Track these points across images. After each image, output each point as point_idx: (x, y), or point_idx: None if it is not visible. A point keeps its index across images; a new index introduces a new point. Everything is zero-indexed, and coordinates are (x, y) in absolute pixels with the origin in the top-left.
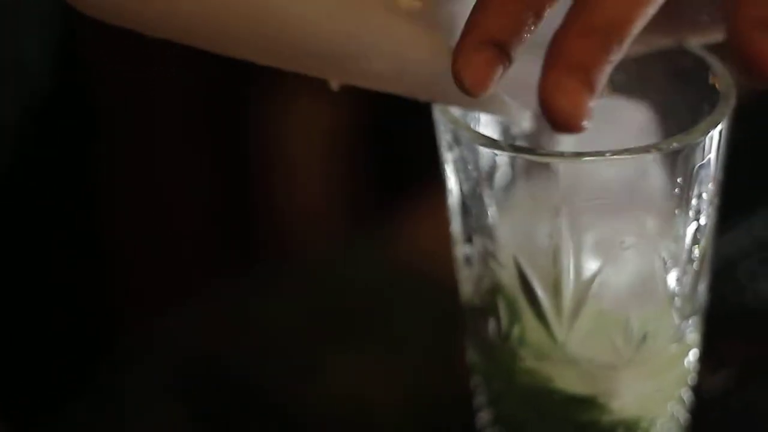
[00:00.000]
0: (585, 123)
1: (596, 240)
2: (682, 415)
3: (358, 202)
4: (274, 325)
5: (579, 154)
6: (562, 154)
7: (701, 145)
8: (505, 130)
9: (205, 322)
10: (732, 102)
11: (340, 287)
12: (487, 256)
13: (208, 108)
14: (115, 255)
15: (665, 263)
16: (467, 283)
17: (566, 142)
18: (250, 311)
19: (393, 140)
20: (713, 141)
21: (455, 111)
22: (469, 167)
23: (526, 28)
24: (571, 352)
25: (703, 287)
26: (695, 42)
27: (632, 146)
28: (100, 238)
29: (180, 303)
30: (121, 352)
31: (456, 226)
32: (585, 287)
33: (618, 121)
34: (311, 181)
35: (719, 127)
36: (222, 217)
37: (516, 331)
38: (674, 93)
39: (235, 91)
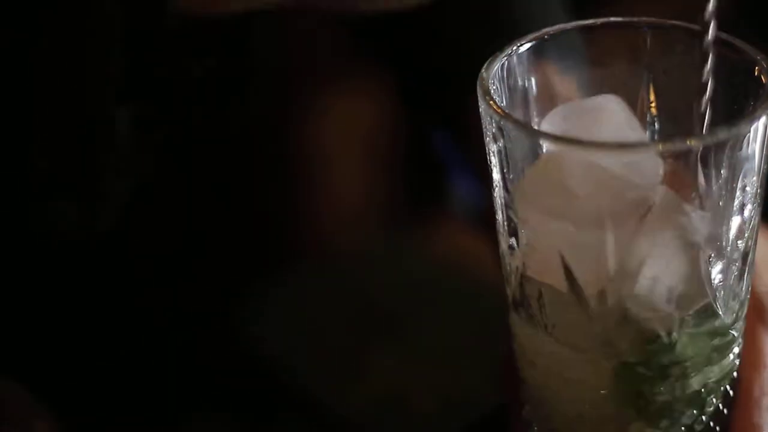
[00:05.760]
0: None
1: (641, 231)
2: (726, 410)
3: (397, 201)
4: (313, 324)
5: (623, 145)
6: (604, 145)
7: (745, 137)
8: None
9: (246, 322)
10: None
11: (380, 286)
12: (531, 248)
13: (245, 105)
14: (153, 257)
15: (709, 256)
16: (512, 275)
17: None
18: (290, 311)
19: (431, 140)
20: (758, 133)
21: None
22: (513, 158)
23: None
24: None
25: (747, 281)
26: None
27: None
28: (135, 240)
29: (219, 304)
30: (165, 353)
31: (500, 217)
32: (630, 280)
33: (601, 118)
34: (350, 181)
35: (764, 119)
36: (259, 217)
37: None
38: (719, 86)
39: (274, 90)
